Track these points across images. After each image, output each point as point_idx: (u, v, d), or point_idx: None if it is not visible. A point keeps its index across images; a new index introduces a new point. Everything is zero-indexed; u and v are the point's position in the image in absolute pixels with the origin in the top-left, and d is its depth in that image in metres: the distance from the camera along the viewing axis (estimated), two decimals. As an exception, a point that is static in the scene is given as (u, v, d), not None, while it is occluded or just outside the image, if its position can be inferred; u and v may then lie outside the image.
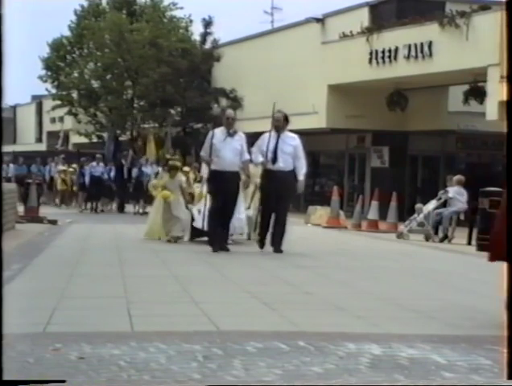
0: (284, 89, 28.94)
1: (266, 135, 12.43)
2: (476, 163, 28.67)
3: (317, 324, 5.83)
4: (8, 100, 44.96)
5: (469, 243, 16.63)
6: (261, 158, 12.33)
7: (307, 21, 29.34)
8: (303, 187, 12.65)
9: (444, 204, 18.07)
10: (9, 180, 29.70)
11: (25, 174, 32.43)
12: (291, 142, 12.35)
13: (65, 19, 41.42)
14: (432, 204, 18.23)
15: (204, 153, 12.56)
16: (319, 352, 4.73)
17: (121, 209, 28.69)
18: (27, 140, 56.60)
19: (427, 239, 17.64)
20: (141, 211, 26.60)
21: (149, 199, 25.87)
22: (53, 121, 50.56)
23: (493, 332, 5.26)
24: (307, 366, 4.37)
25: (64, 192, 31.80)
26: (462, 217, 17.88)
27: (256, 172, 13.37)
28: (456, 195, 17.89)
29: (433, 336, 5.38)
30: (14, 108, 58.89)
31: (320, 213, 21.84)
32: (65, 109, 41.19)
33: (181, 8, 38.86)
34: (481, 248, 14.57)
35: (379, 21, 26.10)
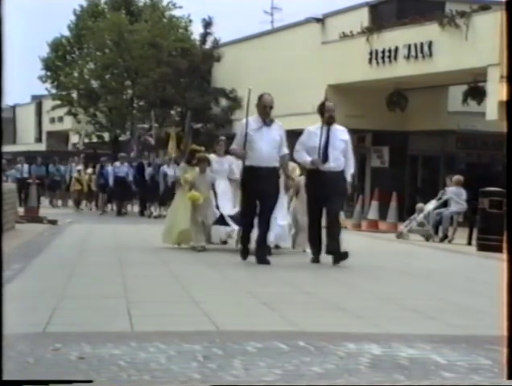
0: (284, 89, 28.93)
1: (313, 129, 10.71)
2: (476, 163, 28.67)
3: (317, 324, 5.83)
4: (8, 100, 44.96)
5: (469, 243, 16.63)
6: (308, 157, 10.50)
7: (307, 21, 29.35)
8: (350, 189, 10.89)
9: (445, 204, 18.07)
10: (19, 181, 27.79)
11: (43, 175, 30.85)
12: (343, 137, 10.69)
13: (65, 19, 41.54)
14: (432, 204, 18.23)
15: (236, 145, 10.63)
16: (319, 352, 4.73)
17: (142, 212, 26.37)
18: (27, 140, 56.68)
19: (427, 239, 17.64)
20: (154, 213, 25.17)
21: (164, 201, 24.10)
22: (53, 121, 50.64)
23: (493, 332, 5.26)
24: (307, 366, 4.37)
25: (78, 193, 29.94)
26: (461, 219, 17.89)
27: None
28: (454, 195, 17.89)
29: (433, 336, 5.38)
30: (13, 108, 58.96)
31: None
32: (65, 109, 41.24)
33: (180, 7, 38.94)
34: (481, 248, 14.60)
35: (379, 21, 26.11)
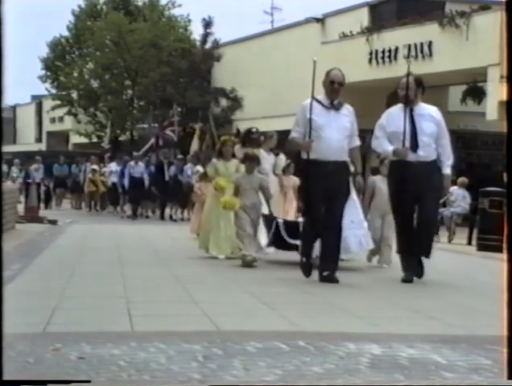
0: (284, 89, 28.94)
1: (394, 110, 8.78)
2: (476, 163, 28.66)
3: (317, 324, 5.83)
4: (8, 100, 44.86)
5: (469, 243, 16.63)
6: (390, 146, 8.60)
7: (307, 21, 29.37)
8: (450, 185, 9.01)
9: (444, 204, 18.08)
10: (24, 184, 25.97)
11: (66, 175, 29.91)
12: (432, 118, 8.74)
13: (65, 19, 41.61)
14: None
15: (297, 134, 8.48)
16: (319, 352, 4.73)
17: (162, 215, 24.58)
18: (27, 140, 56.67)
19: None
20: (174, 216, 23.69)
21: (186, 203, 22.74)
22: (53, 121, 50.63)
23: (493, 332, 5.26)
24: (307, 366, 4.37)
25: (92, 194, 27.89)
26: (459, 220, 17.90)
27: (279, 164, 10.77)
28: (459, 197, 17.91)
29: (433, 336, 5.38)
30: (14, 108, 58.96)
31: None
32: (65, 109, 41.24)
33: (179, 6, 38.91)
34: (481, 248, 14.61)
35: (379, 21, 26.12)
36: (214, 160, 11.25)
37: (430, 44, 23.35)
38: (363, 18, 26.88)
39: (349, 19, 27.21)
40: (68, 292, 7.22)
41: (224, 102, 34.63)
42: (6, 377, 3.45)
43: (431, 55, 23.37)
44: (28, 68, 77.46)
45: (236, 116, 33.65)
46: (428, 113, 8.77)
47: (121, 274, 8.76)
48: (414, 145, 8.53)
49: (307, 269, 8.61)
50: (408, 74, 8.73)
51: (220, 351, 4.66)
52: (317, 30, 28.82)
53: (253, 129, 11.95)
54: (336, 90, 8.56)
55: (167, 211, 24.63)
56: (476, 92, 23.42)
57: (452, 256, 13.84)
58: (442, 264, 12.25)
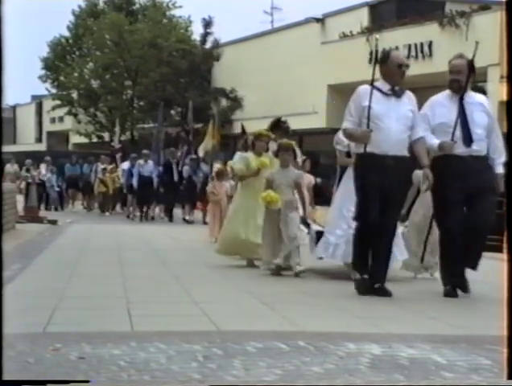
0: (284, 89, 28.96)
1: (439, 98, 7.67)
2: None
3: (317, 324, 5.83)
4: (8, 100, 44.85)
5: (469, 243, 16.60)
6: (435, 139, 7.38)
7: (307, 21, 29.38)
8: (502, 186, 7.40)
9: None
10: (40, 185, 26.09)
11: (78, 175, 29.24)
12: (483, 107, 7.59)
13: (66, 19, 41.60)
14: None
15: (350, 124, 7.67)
16: (319, 352, 4.73)
17: (169, 216, 23.69)
18: (27, 140, 56.67)
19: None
20: (187, 217, 22.50)
21: (199, 203, 22.37)
22: (53, 121, 50.65)
23: (493, 332, 5.26)
24: (307, 366, 4.37)
25: (103, 195, 26.89)
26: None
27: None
28: None
29: (433, 336, 5.38)
30: (14, 108, 58.96)
31: (320, 213, 21.78)
32: (65, 109, 41.25)
33: (180, 7, 38.92)
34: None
35: (379, 21, 26.12)
36: (246, 153, 10.10)
37: (430, 44, 23.36)
38: (363, 18, 26.88)
39: (349, 19, 27.21)
40: (68, 292, 7.22)
41: (224, 102, 34.64)
42: (6, 377, 3.46)
43: (431, 55, 23.38)
44: (28, 68, 77.43)
45: (236, 116, 33.67)
46: (479, 102, 7.66)
47: (121, 274, 8.76)
48: (468, 139, 7.36)
49: (364, 288, 7.44)
50: (474, 56, 7.66)
51: (220, 351, 4.66)
52: (317, 30, 28.82)
53: (283, 118, 10.64)
54: (403, 74, 7.74)
55: (179, 212, 23.88)
56: (478, 92, 23.43)
57: (452, 256, 13.83)
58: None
